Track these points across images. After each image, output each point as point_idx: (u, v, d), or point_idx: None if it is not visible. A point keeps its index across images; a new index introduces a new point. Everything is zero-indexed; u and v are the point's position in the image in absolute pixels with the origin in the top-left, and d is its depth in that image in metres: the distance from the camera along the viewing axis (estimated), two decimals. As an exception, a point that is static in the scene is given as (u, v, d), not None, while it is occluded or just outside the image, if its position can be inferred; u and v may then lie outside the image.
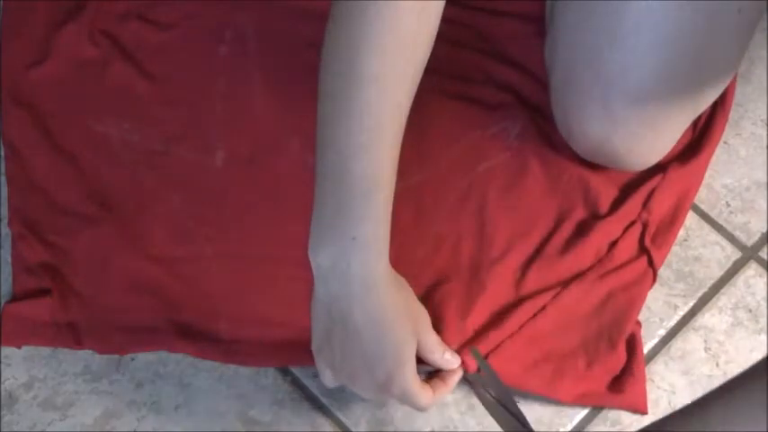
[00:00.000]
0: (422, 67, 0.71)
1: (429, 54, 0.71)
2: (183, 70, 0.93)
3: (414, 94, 0.71)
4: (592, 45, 0.82)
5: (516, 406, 0.75)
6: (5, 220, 0.86)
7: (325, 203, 0.70)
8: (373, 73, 0.68)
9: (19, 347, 0.82)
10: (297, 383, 0.82)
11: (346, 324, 0.69)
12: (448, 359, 0.76)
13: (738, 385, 0.56)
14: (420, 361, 0.74)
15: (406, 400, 0.72)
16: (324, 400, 0.81)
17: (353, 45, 0.68)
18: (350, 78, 0.68)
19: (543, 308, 0.83)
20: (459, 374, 0.77)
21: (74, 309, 0.82)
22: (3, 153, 0.89)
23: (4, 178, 0.88)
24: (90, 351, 0.82)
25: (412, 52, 0.69)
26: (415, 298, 0.74)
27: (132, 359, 0.82)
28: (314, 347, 0.73)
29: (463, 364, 0.77)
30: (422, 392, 0.72)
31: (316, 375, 0.81)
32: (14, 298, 0.83)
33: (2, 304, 0.83)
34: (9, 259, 0.85)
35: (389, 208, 0.70)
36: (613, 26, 0.80)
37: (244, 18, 0.95)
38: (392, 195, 0.71)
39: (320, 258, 0.69)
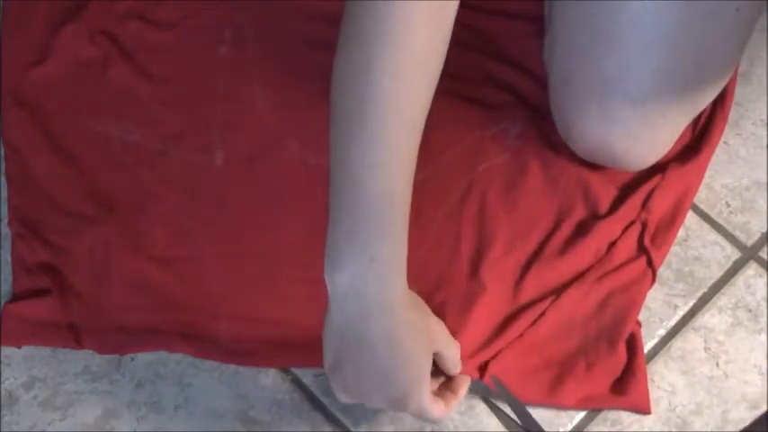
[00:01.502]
0: (435, 82, 0.70)
1: (441, 69, 0.70)
2: (183, 70, 0.93)
3: (428, 109, 0.70)
4: (589, 45, 0.82)
5: (536, 424, 0.76)
6: (5, 220, 0.86)
7: (340, 223, 0.68)
8: (388, 91, 0.67)
9: (19, 347, 0.82)
10: (297, 383, 0.82)
11: (361, 344, 0.69)
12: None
13: None
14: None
15: (421, 415, 0.72)
16: (324, 400, 0.81)
17: (367, 64, 0.67)
18: (364, 97, 0.67)
19: (543, 313, 0.83)
20: (467, 384, 0.77)
21: (74, 309, 0.82)
22: (3, 153, 0.89)
23: (4, 178, 0.88)
24: (90, 351, 0.82)
25: (425, 69, 0.68)
26: (432, 314, 0.73)
27: (132, 359, 0.82)
28: (327, 368, 0.72)
29: (465, 372, 0.77)
30: (435, 406, 0.72)
31: (316, 375, 0.81)
32: (14, 298, 0.83)
33: (2, 304, 0.83)
34: (9, 259, 0.85)
35: (406, 226, 0.69)
36: (610, 25, 0.80)
37: (243, 18, 0.95)
38: (408, 212, 0.69)
39: (337, 279, 0.68)
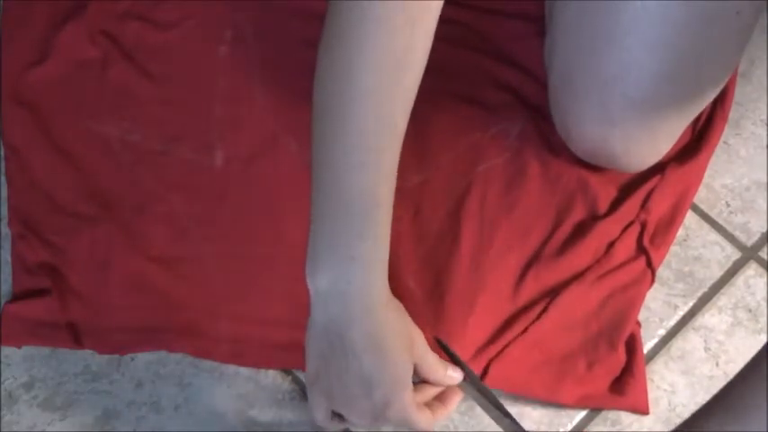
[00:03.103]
0: (417, 81, 0.70)
1: (424, 68, 0.70)
2: (183, 70, 0.93)
3: (410, 109, 0.70)
4: (589, 45, 0.81)
5: (496, 398, 0.75)
6: (5, 220, 0.86)
7: (322, 223, 0.68)
8: (369, 91, 0.67)
9: (19, 347, 0.82)
10: (297, 383, 0.82)
11: (345, 347, 0.68)
12: (451, 375, 0.75)
13: (734, 391, 0.56)
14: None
15: (405, 424, 0.71)
16: (324, 400, 0.81)
17: (349, 64, 0.67)
18: (346, 96, 0.67)
19: (543, 311, 0.83)
20: (459, 396, 0.76)
21: (73, 309, 0.82)
22: (3, 153, 0.89)
23: (4, 178, 0.88)
24: (90, 351, 0.82)
25: (407, 68, 0.68)
26: (411, 320, 0.73)
27: (132, 359, 0.82)
28: (308, 378, 0.72)
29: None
30: (420, 416, 0.71)
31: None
32: (14, 298, 0.83)
33: (2, 304, 0.83)
34: (9, 259, 0.85)
35: (389, 226, 0.70)
36: (611, 26, 0.80)
37: (243, 18, 0.95)
38: (391, 212, 0.70)
39: (318, 279, 0.68)
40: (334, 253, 0.68)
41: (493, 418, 0.75)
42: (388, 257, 0.70)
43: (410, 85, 0.69)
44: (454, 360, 0.76)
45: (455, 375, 0.75)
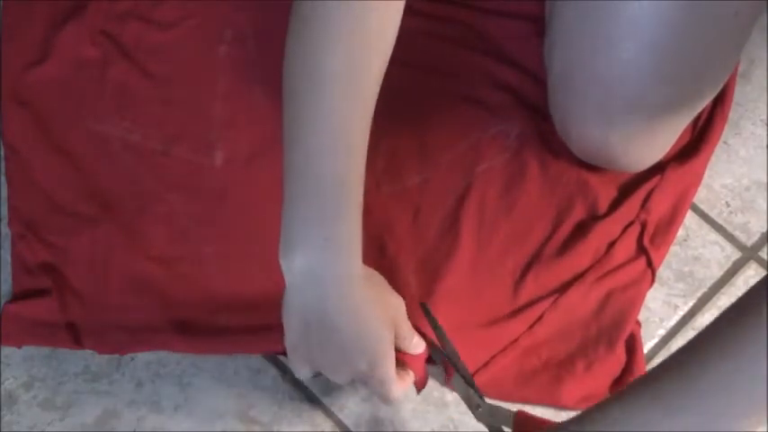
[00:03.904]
0: (385, 63, 0.70)
1: (391, 51, 0.70)
2: (183, 70, 0.93)
3: (378, 92, 0.70)
4: (588, 47, 0.81)
5: (469, 374, 0.75)
6: (5, 220, 0.86)
7: (294, 206, 0.69)
8: (338, 72, 0.68)
9: (19, 347, 0.82)
10: (297, 383, 0.82)
11: (323, 324, 0.69)
12: (416, 343, 0.75)
13: (636, 386, 0.56)
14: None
15: (382, 388, 0.72)
16: (324, 401, 0.81)
17: (318, 45, 0.68)
18: (315, 78, 0.68)
19: (541, 317, 0.83)
20: (411, 379, 0.76)
21: (73, 309, 0.82)
22: (3, 153, 0.89)
23: (4, 178, 0.88)
24: (90, 351, 0.82)
25: (376, 50, 0.69)
26: (390, 289, 0.74)
27: (132, 359, 0.82)
28: (288, 346, 0.73)
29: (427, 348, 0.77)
30: (397, 383, 0.73)
31: (314, 376, 0.81)
32: (14, 298, 0.83)
33: (2, 304, 0.83)
34: (9, 259, 0.85)
35: (360, 206, 0.70)
36: (610, 27, 0.80)
37: (244, 18, 0.95)
38: (362, 193, 0.70)
39: (292, 262, 0.69)
40: (307, 235, 0.68)
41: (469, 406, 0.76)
42: (361, 235, 0.70)
43: (379, 66, 0.70)
44: (441, 337, 0.77)
45: (419, 344, 0.75)
